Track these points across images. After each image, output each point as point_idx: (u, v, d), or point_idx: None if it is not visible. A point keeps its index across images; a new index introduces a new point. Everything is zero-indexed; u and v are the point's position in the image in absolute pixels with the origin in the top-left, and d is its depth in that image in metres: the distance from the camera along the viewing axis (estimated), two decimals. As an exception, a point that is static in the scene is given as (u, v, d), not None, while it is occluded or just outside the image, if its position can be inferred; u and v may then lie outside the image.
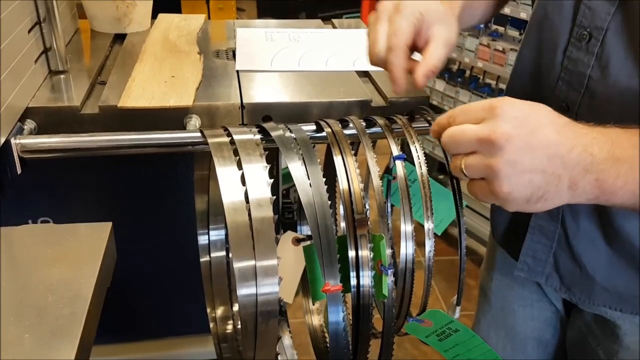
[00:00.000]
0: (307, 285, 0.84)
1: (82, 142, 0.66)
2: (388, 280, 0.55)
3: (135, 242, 0.78)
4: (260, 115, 0.76)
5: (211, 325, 0.78)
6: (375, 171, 0.58)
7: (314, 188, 0.56)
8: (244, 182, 0.55)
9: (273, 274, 0.52)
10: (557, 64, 0.73)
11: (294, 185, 0.58)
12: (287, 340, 0.74)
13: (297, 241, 0.69)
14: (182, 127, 0.74)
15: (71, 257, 0.47)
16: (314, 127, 0.69)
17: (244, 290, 0.52)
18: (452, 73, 2.29)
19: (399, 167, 0.60)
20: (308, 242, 0.65)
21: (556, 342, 0.97)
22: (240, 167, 0.57)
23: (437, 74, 0.66)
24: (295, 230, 0.88)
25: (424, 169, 0.61)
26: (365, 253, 0.56)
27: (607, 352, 0.83)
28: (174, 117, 0.74)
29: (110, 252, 0.51)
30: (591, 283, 0.80)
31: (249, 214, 0.53)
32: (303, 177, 0.57)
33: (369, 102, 0.78)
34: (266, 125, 0.65)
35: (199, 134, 0.65)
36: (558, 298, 0.91)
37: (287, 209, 0.87)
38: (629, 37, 0.64)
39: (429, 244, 0.58)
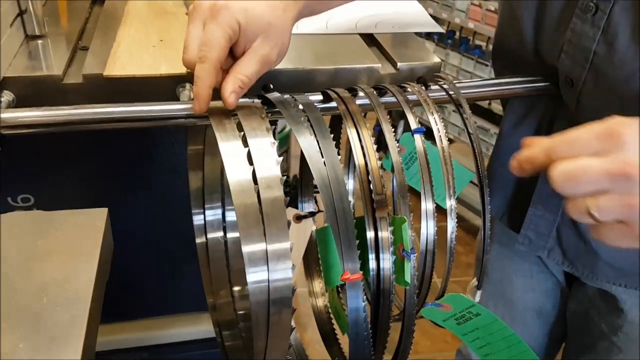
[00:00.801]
0: (310, 266, 0.81)
1: (65, 115, 0.59)
2: (410, 265, 0.51)
3: (126, 218, 0.73)
4: (260, 84, 0.70)
5: (210, 312, 0.74)
6: (394, 146, 0.53)
7: (328, 166, 0.52)
8: (250, 160, 0.50)
9: (286, 259, 0.48)
10: (559, 37, 0.68)
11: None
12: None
13: (297, 218, 0.65)
14: (175, 98, 0.68)
15: (65, 250, 0.42)
16: (320, 96, 0.63)
17: (253, 277, 0.48)
18: (442, 35, 2.23)
19: (419, 141, 0.55)
20: (310, 220, 0.61)
21: (556, 313, 0.96)
22: (245, 143, 0.52)
23: (245, 91, 0.58)
24: (295, 207, 0.84)
25: (445, 142, 0.55)
26: (385, 235, 0.52)
27: (610, 326, 0.82)
28: (165, 87, 0.68)
29: (108, 243, 0.46)
30: (595, 258, 0.78)
31: (258, 195, 0.49)
32: (316, 153, 0.52)
33: (377, 69, 0.73)
34: (270, 95, 0.60)
35: (194, 106, 0.60)
36: (559, 269, 0.89)
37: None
38: (636, 12, 0.60)
39: (451, 225, 0.53)
